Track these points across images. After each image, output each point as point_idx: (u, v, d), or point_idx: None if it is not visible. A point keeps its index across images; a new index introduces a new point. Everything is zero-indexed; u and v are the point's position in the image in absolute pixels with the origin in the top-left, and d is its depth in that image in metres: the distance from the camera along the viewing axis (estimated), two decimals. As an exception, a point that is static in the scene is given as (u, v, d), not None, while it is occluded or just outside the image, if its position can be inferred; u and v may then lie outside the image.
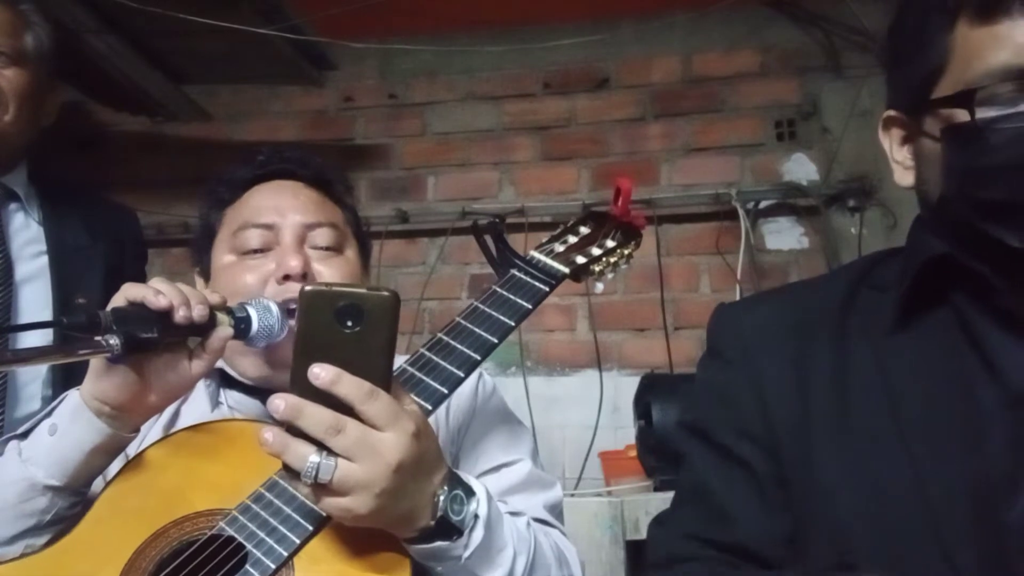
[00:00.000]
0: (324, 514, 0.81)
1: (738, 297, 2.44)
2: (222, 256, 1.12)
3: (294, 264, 1.05)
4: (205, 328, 0.93)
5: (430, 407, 0.88)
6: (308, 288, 0.77)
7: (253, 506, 0.85)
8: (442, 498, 0.81)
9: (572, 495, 2.16)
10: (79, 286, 1.51)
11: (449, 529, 0.82)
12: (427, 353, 0.93)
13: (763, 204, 2.58)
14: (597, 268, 1.08)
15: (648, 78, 2.69)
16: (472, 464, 1.06)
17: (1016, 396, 0.75)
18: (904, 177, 0.86)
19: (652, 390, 2.21)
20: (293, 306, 0.96)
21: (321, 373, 0.75)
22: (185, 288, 0.93)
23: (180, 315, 0.89)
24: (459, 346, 0.93)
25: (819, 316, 0.87)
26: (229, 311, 0.96)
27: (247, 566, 0.81)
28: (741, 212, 2.51)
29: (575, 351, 2.62)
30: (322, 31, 2.60)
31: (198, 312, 0.91)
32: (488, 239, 1.08)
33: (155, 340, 0.89)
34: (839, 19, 2.54)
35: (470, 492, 0.85)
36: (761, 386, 0.85)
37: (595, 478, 2.41)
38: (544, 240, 1.09)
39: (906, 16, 0.85)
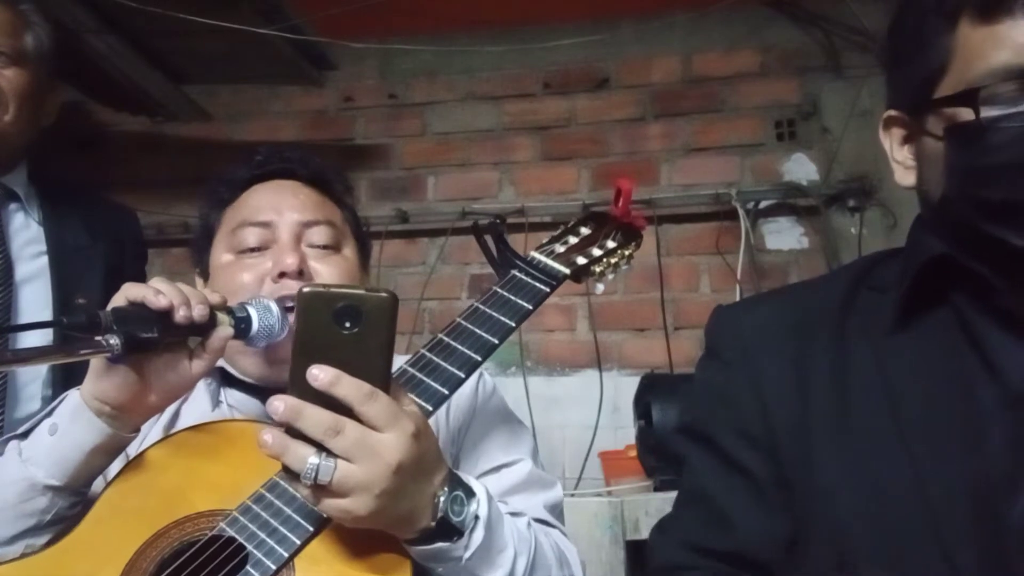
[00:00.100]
0: (324, 515, 0.81)
1: (738, 297, 2.44)
2: (220, 255, 1.12)
3: (290, 261, 1.05)
4: (205, 328, 0.93)
5: (431, 408, 0.88)
6: (306, 289, 0.77)
7: (254, 507, 0.85)
8: (442, 499, 0.81)
9: (572, 495, 2.16)
10: (79, 286, 1.51)
11: (449, 530, 0.82)
12: (427, 354, 0.93)
13: (763, 204, 2.58)
14: (597, 269, 1.08)
15: (648, 78, 2.69)
16: (472, 464, 1.06)
17: (1016, 396, 0.75)
18: (905, 177, 0.86)
19: (652, 390, 2.21)
20: (289, 304, 0.96)
21: (320, 374, 0.75)
22: (185, 288, 0.93)
23: (180, 315, 0.89)
24: (459, 347, 0.93)
25: (819, 316, 0.87)
26: (229, 311, 0.96)
27: (248, 567, 0.81)
28: (741, 212, 2.51)
29: (575, 351, 2.62)
30: (322, 31, 2.60)
31: (198, 312, 0.91)
32: (488, 239, 1.08)
33: (155, 340, 0.89)
34: (839, 19, 2.53)
35: (470, 493, 0.85)
36: (761, 386, 0.85)
37: (595, 478, 2.41)
38: (544, 241, 1.09)
39: (906, 16, 0.85)
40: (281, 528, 0.83)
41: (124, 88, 2.67)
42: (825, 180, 2.54)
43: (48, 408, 0.98)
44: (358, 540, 0.82)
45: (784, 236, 2.58)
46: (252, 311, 0.97)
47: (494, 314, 0.97)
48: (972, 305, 0.79)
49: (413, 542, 0.82)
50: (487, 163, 2.76)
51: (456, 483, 0.84)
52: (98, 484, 0.97)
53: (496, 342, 0.95)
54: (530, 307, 0.99)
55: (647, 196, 2.55)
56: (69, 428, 0.92)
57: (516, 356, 2.59)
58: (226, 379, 1.12)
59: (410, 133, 2.81)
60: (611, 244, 1.10)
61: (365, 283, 1.17)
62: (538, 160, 2.73)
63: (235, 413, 1.09)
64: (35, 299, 1.48)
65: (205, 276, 1.15)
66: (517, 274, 1.02)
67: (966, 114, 0.76)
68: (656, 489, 2.07)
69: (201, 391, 1.10)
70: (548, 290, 1.01)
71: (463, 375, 0.91)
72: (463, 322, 0.96)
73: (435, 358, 0.92)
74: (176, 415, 1.09)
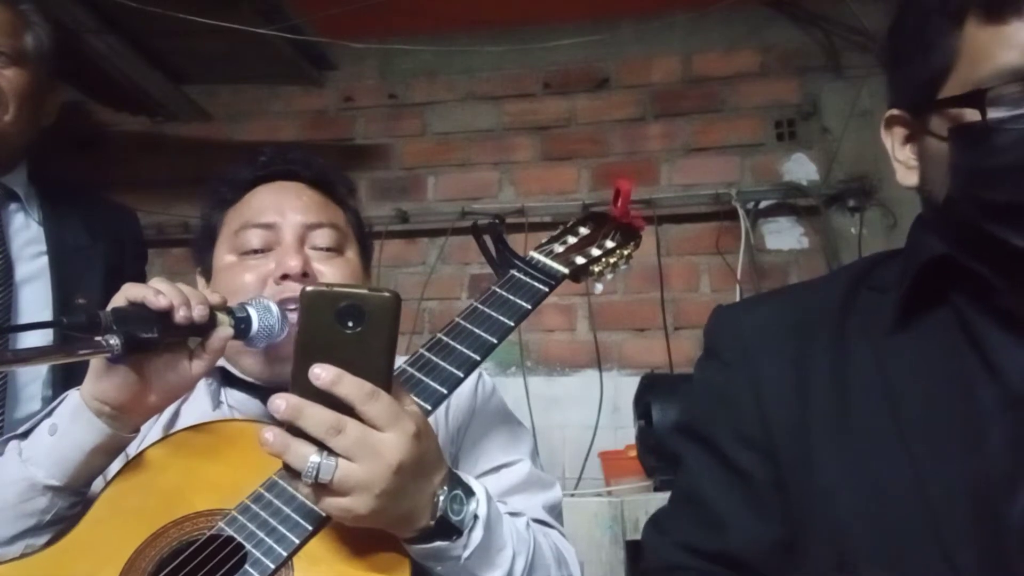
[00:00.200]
0: (324, 514, 0.81)
1: (738, 297, 2.45)
2: (223, 256, 1.12)
3: (293, 264, 1.05)
4: (205, 328, 0.93)
5: (429, 407, 0.88)
6: (309, 289, 0.77)
7: (253, 506, 0.85)
8: (442, 498, 0.81)
9: (572, 495, 2.16)
10: (79, 286, 1.51)
11: (449, 529, 0.82)
12: (427, 353, 0.93)
13: (763, 204, 2.58)
14: (596, 269, 1.08)
15: (648, 78, 2.69)
16: (472, 464, 1.06)
17: (1016, 396, 0.74)
18: (907, 177, 0.86)
19: (652, 390, 2.21)
20: (292, 306, 0.96)
21: (322, 373, 0.75)
22: (185, 288, 0.93)
23: (180, 315, 0.90)
24: (459, 346, 0.93)
25: (819, 317, 0.87)
26: (229, 311, 0.96)
27: (246, 566, 0.81)
28: (741, 212, 2.51)
29: (575, 351, 2.62)
30: (322, 31, 2.60)
31: (198, 312, 0.91)
32: (488, 239, 1.08)
33: (155, 340, 0.89)
34: (839, 19, 2.54)
35: (470, 492, 0.85)
36: (760, 387, 0.85)
37: (595, 478, 2.41)
38: (544, 240, 1.09)
39: (908, 16, 0.84)
40: (280, 527, 0.83)
41: (124, 88, 2.67)
42: (825, 180, 2.54)
43: (48, 408, 0.98)
44: (357, 539, 0.82)
45: (784, 236, 2.58)
46: (252, 311, 0.97)
47: (493, 314, 0.97)
48: (972, 305, 0.79)
49: (412, 541, 0.82)
50: (487, 163, 2.76)
51: (456, 482, 0.84)
52: (98, 484, 0.97)
53: (495, 342, 0.95)
54: (529, 307, 0.99)
55: (647, 196, 2.55)
56: (69, 428, 0.92)
57: (516, 356, 2.60)
58: (227, 379, 1.12)
59: (410, 133, 2.81)
60: (610, 244, 1.10)
61: (367, 284, 1.17)
62: (538, 160, 2.73)
63: (235, 413, 1.09)
64: (35, 299, 1.48)
65: (207, 276, 1.15)
66: (516, 274, 1.02)
67: (972, 115, 0.75)
68: (656, 489, 2.07)
69: (201, 391, 1.10)
70: (547, 290, 1.01)
71: (462, 375, 0.91)
72: (462, 322, 0.96)
73: (434, 358, 0.92)
74: (176, 415, 1.09)
